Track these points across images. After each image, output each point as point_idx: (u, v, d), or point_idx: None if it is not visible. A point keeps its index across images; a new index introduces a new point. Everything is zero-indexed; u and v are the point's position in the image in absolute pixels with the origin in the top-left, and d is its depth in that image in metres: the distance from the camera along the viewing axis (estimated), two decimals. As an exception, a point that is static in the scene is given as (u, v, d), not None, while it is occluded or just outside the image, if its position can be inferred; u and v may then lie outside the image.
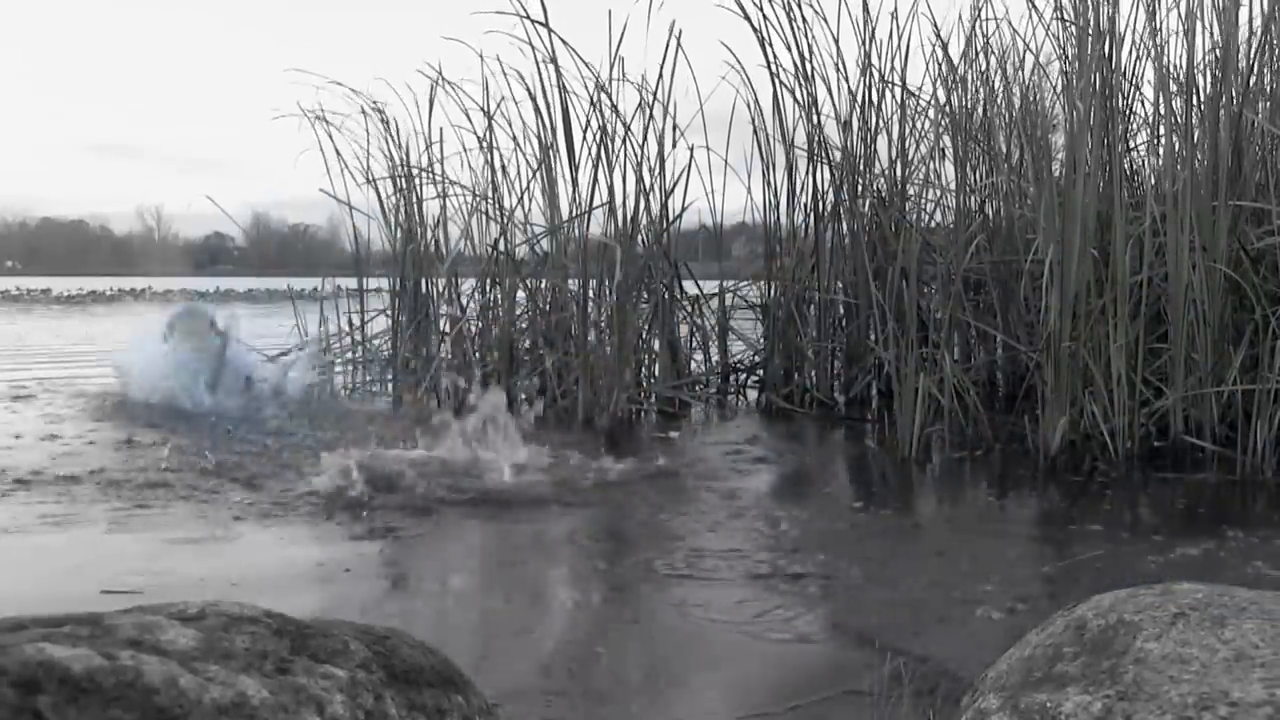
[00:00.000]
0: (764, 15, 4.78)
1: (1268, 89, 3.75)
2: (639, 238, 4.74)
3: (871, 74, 4.86)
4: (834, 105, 4.90)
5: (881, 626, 1.90)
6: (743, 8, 4.76)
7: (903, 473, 3.38)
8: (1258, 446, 3.14)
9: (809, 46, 4.82)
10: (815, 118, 4.88)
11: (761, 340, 5.08)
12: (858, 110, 4.88)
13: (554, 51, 4.70)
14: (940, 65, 4.88)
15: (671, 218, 4.90)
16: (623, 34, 4.68)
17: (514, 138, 5.06)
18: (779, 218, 4.99)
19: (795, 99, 4.88)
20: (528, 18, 4.63)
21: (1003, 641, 1.75)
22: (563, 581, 2.32)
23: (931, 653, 1.76)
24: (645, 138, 4.73)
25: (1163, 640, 1.05)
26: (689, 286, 5.09)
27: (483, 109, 5.06)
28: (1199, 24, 3.63)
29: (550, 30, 4.67)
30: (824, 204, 4.94)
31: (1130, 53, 4.19)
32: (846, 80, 4.88)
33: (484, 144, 5.07)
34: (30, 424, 4.20)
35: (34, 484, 3.07)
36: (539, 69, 4.81)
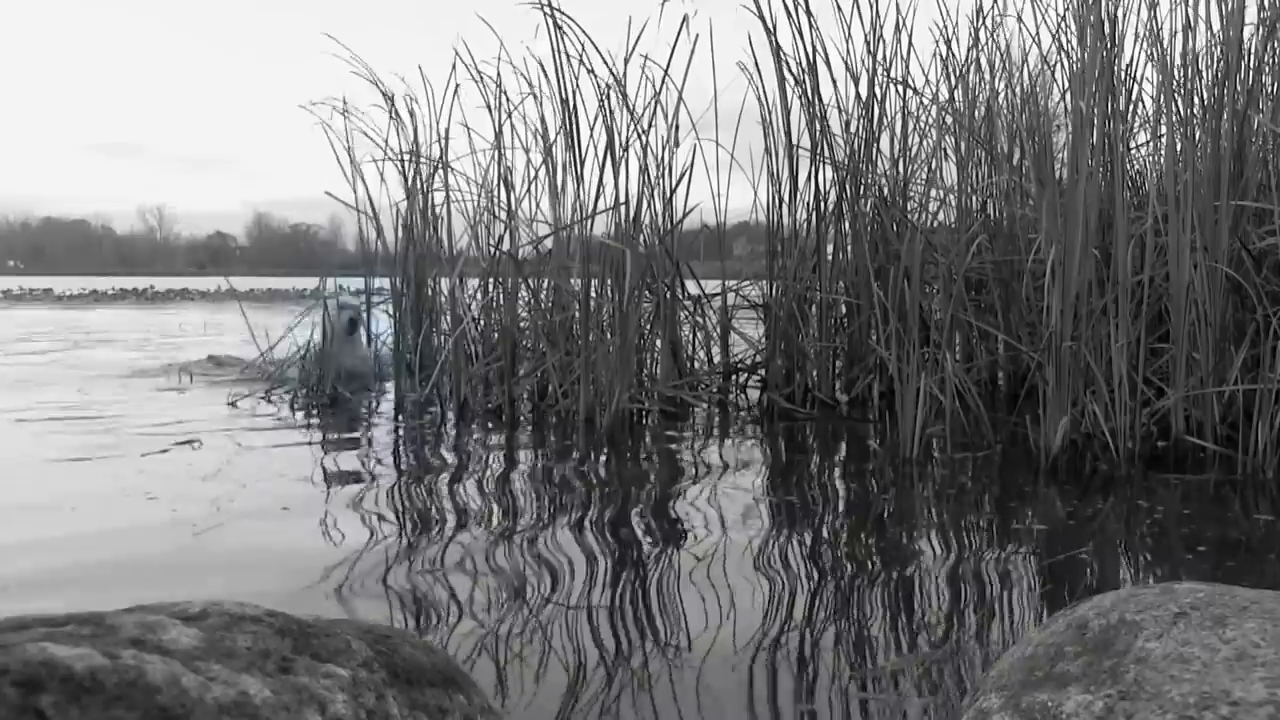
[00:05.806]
0: (768, 13, 4.78)
1: (1269, 89, 3.75)
2: (641, 237, 4.74)
3: (875, 72, 4.86)
4: (838, 103, 4.90)
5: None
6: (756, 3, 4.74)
7: (903, 473, 3.38)
8: (1259, 446, 3.14)
9: (813, 45, 4.82)
10: (818, 117, 4.87)
11: (763, 340, 5.08)
12: (860, 108, 4.88)
13: (561, 43, 4.70)
14: (943, 64, 4.88)
15: (676, 217, 4.90)
16: (626, 31, 4.68)
17: (520, 136, 5.06)
18: (780, 217, 4.99)
19: (799, 97, 4.88)
20: (547, 14, 4.63)
21: (995, 647, 1.75)
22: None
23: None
24: (648, 137, 4.73)
25: (1164, 640, 1.05)
26: (690, 286, 5.09)
27: (487, 105, 5.06)
28: (1202, 23, 3.64)
29: (560, 28, 4.67)
30: (826, 203, 4.94)
31: (1133, 52, 4.20)
32: (850, 77, 4.88)
33: (495, 135, 5.06)
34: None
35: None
36: (541, 66, 4.81)
